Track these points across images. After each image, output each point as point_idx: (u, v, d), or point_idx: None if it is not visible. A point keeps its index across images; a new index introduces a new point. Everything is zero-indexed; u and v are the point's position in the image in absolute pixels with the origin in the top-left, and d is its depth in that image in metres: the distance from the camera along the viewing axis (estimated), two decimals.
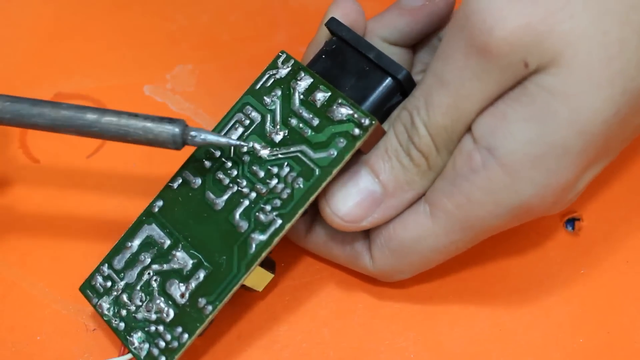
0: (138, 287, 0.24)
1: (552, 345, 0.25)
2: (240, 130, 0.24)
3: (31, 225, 0.28)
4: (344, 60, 0.24)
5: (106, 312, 0.24)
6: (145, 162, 0.30)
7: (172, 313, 0.23)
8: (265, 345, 0.25)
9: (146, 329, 0.23)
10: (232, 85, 0.27)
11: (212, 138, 0.23)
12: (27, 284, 0.27)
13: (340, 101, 0.23)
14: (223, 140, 0.23)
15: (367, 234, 0.25)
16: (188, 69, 0.33)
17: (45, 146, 0.31)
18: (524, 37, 0.20)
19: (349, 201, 0.23)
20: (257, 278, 0.24)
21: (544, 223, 0.27)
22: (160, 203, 0.25)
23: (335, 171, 0.23)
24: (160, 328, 0.23)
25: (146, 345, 0.23)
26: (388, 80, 0.24)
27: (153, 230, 0.25)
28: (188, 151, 0.26)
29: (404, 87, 0.24)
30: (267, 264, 0.25)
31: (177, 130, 0.23)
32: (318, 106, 0.23)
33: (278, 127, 0.24)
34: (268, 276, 0.25)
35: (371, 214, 0.23)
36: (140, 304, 0.24)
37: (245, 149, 0.24)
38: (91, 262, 0.27)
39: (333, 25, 0.25)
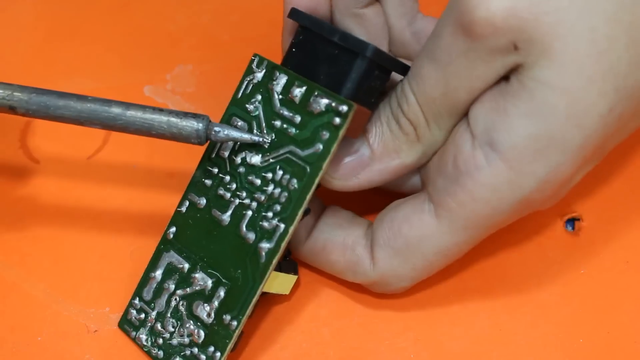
0: (168, 314, 0.25)
1: (552, 345, 0.25)
2: (231, 142, 0.24)
3: (32, 226, 0.28)
4: (314, 49, 0.24)
5: (145, 343, 0.25)
6: (145, 163, 0.30)
7: (202, 334, 0.24)
8: (265, 345, 0.25)
9: (182, 354, 0.24)
10: (232, 85, 0.26)
11: (235, 134, 0.23)
12: (28, 284, 0.27)
13: (316, 93, 0.23)
14: (246, 136, 0.23)
15: (368, 239, 0.25)
16: (188, 69, 0.33)
17: (46, 147, 0.31)
18: (509, 20, 0.20)
19: (339, 159, 0.24)
20: (280, 283, 0.25)
21: (544, 223, 0.27)
22: (173, 229, 0.25)
23: (325, 165, 0.23)
24: (195, 350, 0.24)
25: None
26: (358, 60, 0.23)
27: (172, 256, 0.25)
28: (189, 153, 0.26)
29: (377, 62, 0.23)
30: (288, 267, 0.25)
31: (201, 125, 0.23)
32: (297, 102, 0.23)
33: (265, 132, 0.24)
34: (291, 279, 0.25)
35: (356, 175, 0.24)
36: (173, 329, 0.24)
37: (267, 145, 0.24)
38: (92, 263, 0.27)
39: (294, 15, 0.24)
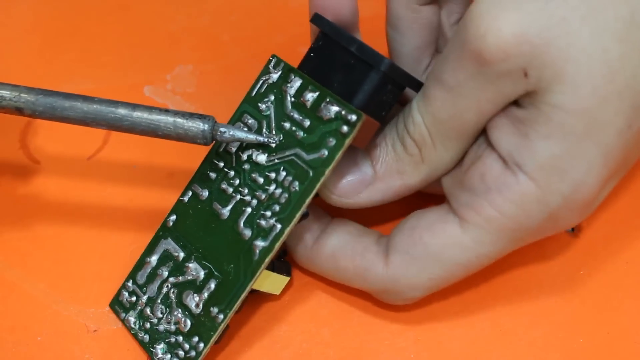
0: (159, 300, 0.25)
1: (552, 345, 0.25)
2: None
3: (32, 226, 0.28)
4: (331, 56, 0.24)
5: (133, 326, 0.25)
6: (145, 163, 0.30)
7: (189, 323, 0.24)
8: (265, 345, 0.25)
9: (167, 340, 0.24)
10: (233, 85, 0.27)
11: (241, 134, 0.24)
12: (28, 284, 0.27)
13: (328, 99, 0.23)
14: (251, 136, 0.24)
15: (380, 244, 0.25)
16: (188, 69, 0.33)
17: (46, 147, 0.31)
18: (520, 46, 0.20)
19: (341, 177, 0.24)
20: (271, 283, 0.25)
21: None
22: (173, 217, 0.25)
23: (328, 171, 0.23)
24: (180, 338, 0.24)
25: (168, 356, 0.24)
26: (372, 73, 0.23)
27: (169, 244, 0.25)
28: (189, 152, 0.26)
29: (390, 76, 0.23)
30: (281, 268, 0.25)
31: (206, 126, 0.23)
32: (308, 107, 0.23)
33: (273, 132, 0.24)
34: (283, 280, 0.25)
35: (358, 194, 0.24)
36: (161, 316, 0.25)
37: (274, 145, 0.24)
38: (92, 263, 0.27)
39: (316, 20, 0.24)
